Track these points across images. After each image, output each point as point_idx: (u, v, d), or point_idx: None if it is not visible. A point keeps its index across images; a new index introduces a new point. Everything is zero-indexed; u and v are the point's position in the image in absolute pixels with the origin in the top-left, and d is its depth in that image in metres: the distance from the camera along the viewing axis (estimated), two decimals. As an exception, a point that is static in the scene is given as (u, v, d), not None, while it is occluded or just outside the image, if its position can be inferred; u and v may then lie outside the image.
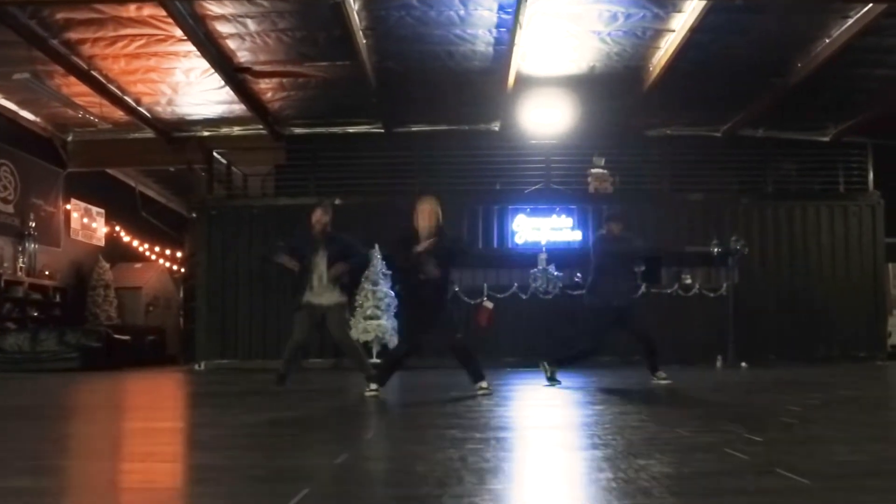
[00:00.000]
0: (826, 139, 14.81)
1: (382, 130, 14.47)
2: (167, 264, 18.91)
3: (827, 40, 10.77)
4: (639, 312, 7.79)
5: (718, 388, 6.40)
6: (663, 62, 11.53)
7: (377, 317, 11.53)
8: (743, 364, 11.39)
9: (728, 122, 14.40)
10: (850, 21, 10.17)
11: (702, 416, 4.46)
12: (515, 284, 12.32)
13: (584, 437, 3.48)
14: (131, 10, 10.00)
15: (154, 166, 16.27)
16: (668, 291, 12.42)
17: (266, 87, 12.94)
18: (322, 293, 6.69)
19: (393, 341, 11.65)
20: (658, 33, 10.90)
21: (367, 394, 5.86)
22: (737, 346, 11.67)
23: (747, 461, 2.75)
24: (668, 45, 11.07)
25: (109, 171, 16.46)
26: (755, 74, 12.14)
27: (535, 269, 12.25)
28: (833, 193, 13.73)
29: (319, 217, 6.84)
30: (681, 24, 10.37)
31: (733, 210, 13.28)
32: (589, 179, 13.42)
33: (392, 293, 11.92)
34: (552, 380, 7.18)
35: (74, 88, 12.52)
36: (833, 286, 13.09)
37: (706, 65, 11.69)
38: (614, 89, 12.70)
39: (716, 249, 11.53)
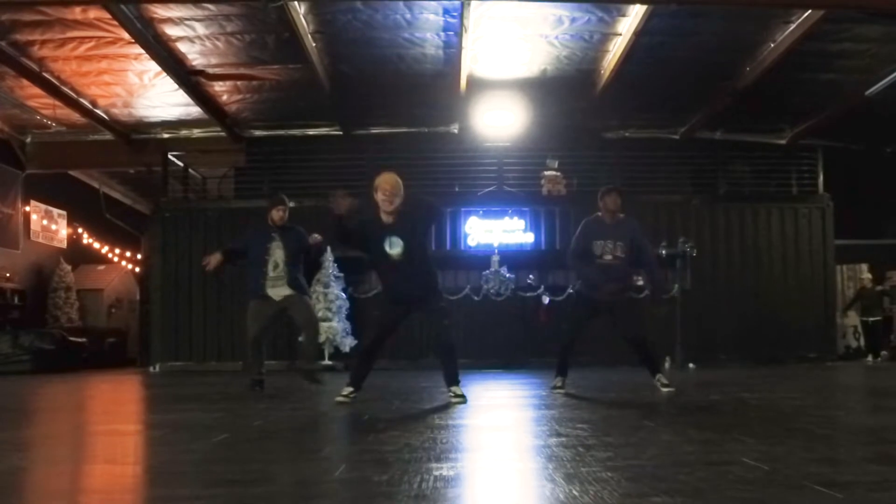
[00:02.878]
0: (783, 142, 14.99)
1: (341, 133, 14.54)
2: (130, 266, 18.89)
3: (772, 45, 10.93)
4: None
5: (636, 390, 6.48)
6: (612, 65, 11.65)
7: (328, 319, 11.59)
8: (691, 365, 11.52)
9: (686, 124, 14.54)
10: (793, 26, 10.32)
11: (577, 417, 4.54)
12: (468, 286, 12.42)
13: (451, 433, 3.56)
14: (76, 13, 10.00)
15: (114, 168, 16.26)
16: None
17: (221, 90, 12.98)
18: (277, 284, 6.64)
19: (345, 343, 11.73)
20: (605, 37, 11.01)
21: (340, 399, 5.44)
22: (685, 347, 11.80)
23: (566, 457, 2.83)
24: (616, 49, 11.19)
25: (73, 172, 16.44)
26: (705, 78, 12.28)
27: (488, 272, 12.35)
28: (785, 196, 13.90)
29: (283, 213, 6.88)
30: (626, 27, 10.49)
31: (686, 212, 13.42)
32: (542, 182, 13.52)
33: (343, 295, 11.99)
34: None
35: (28, 91, 12.51)
36: (784, 287, 13.26)
37: (655, 68, 11.81)
38: (567, 92, 12.81)
39: (664, 251, 11.64)
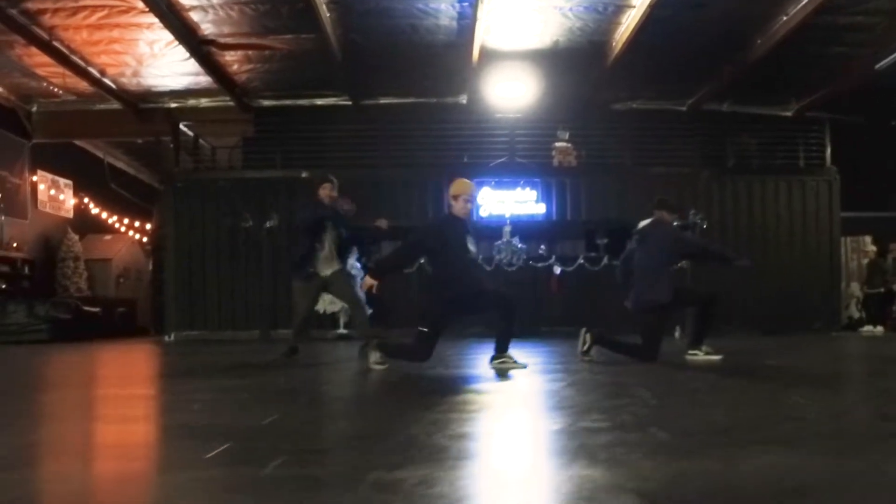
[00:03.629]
0: (789, 114, 15.05)
1: (350, 103, 14.52)
2: (137, 236, 18.90)
3: (784, 17, 10.94)
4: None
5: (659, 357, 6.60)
6: (625, 37, 11.65)
7: (343, 289, 11.66)
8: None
9: (693, 96, 14.57)
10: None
11: (622, 384, 4.67)
12: (480, 257, 12.47)
13: (499, 399, 3.67)
14: (91, -19, 9.98)
15: (121, 138, 16.19)
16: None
17: (232, 60, 12.93)
18: (327, 264, 6.73)
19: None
20: (619, 9, 11.02)
21: (375, 366, 5.70)
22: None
23: (629, 421, 2.95)
24: (629, 21, 11.19)
25: (77, 142, 16.38)
26: (716, 50, 12.29)
27: (500, 242, 12.42)
28: (792, 168, 13.99)
29: (330, 191, 6.91)
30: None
31: (694, 184, 13.51)
32: (553, 153, 13.58)
33: (358, 265, 12.05)
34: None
35: (37, 59, 12.43)
36: (790, 259, 13.40)
37: (668, 40, 11.82)
38: (578, 64, 12.81)
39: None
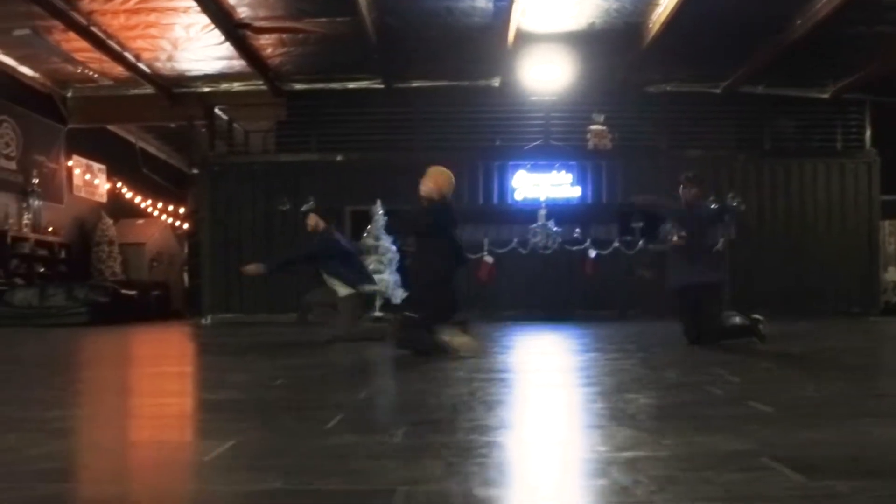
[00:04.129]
0: (826, 96, 14.85)
1: (383, 86, 14.50)
2: (169, 220, 19.04)
3: (827, -3, 10.79)
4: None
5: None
6: (663, 18, 11.53)
7: (380, 271, 11.71)
8: (737, 319, 11.61)
9: (728, 78, 14.42)
10: (850, -22, 10.20)
11: (690, 362, 4.68)
12: (515, 240, 12.48)
13: (579, 377, 3.69)
14: (131, -34, 10.01)
15: (154, 122, 16.29)
16: (664, 247, 12.56)
17: (266, 43, 12.94)
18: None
19: (396, 295, 11.87)
20: (658, -11, 10.93)
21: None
22: (732, 301, 11.87)
23: (723, 396, 2.97)
24: (667, 1, 11.08)
25: (110, 127, 16.49)
26: (755, 30, 12.15)
27: (535, 225, 12.39)
28: (830, 151, 13.81)
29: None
30: (681, -21, 10.39)
31: (731, 167, 13.39)
32: (588, 136, 13.50)
33: (394, 248, 12.10)
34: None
35: (74, 44, 12.51)
36: (828, 243, 13.27)
37: (706, 21, 11.68)
38: (614, 46, 12.71)
39: (712, 206, 11.62)
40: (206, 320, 12.62)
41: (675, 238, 5.95)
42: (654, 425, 2.32)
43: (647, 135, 13.74)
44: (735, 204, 11.90)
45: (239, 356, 5.52)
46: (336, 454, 1.91)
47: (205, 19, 11.60)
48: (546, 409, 2.77)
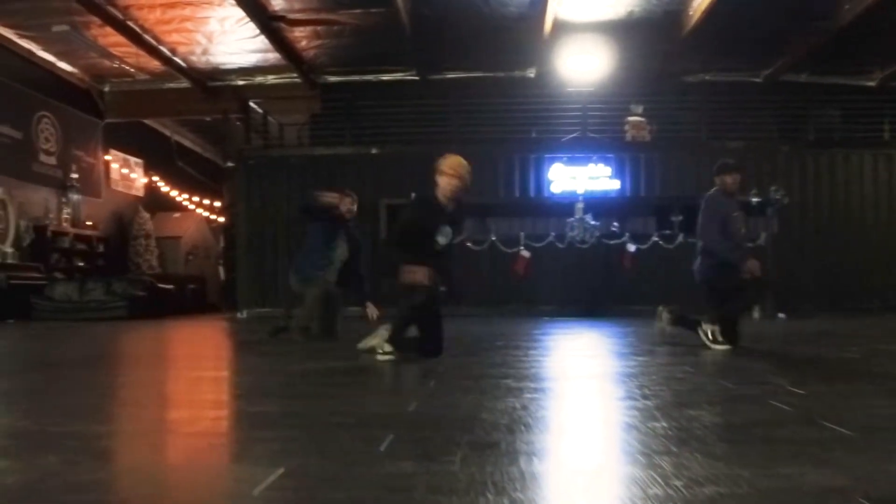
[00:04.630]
0: (872, 84, 14.45)
1: (417, 78, 14.42)
2: (205, 213, 19.16)
3: (878, -19, 10.47)
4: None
5: (758, 340, 6.40)
6: (704, 6, 11.30)
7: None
8: (780, 315, 11.33)
9: (769, 66, 14.09)
10: (901, -39, 9.86)
11: (744, 369, 4.51)
12: (552, 233, 12.30)
13: (632, 387, 3.55)
14: (167, -40, 10.01)
15: (190, 116, 16.38)
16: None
17: (300, 36, 12.92)
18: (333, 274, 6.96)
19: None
20: (699, -24, 10.67)
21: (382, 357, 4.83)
22: (775, 296, 11.59)
23: (791, 412, 2.81)
24: (709, -12, 10.84)
25: (146, 121, 16.62)
26: (798, 17, 11.84)
27: (572, 219, 12.19)
28: (877, 140, 13.40)
29: (350, 206, 7.00)
30: (723, -35, 10.13)
31: (773, 158, 13.04)
32: (626, 127, 13.25)
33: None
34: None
35: (111, 39, 12.61)
36: (875, 236, 12.88)
37: (748, 8, 11.43)
38: (653, 35, 12.49)
39: (754, 199, 11.35)
40: (242, 314, 12.63)
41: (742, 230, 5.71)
42: (726, 450, 2.18)
43: (686, 126, 13.45)
44: (778, 197, 11.64)
45: (274, 357, 5.45)
46: (396, 487, 1.80)
47: (239, 12, 11.61)
48: (607, 428, 2.64)
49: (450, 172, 4.93)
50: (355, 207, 7.15)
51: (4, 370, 5.02)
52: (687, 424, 2.51)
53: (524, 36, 12.53)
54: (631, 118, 13.18)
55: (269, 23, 12.14)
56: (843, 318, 10.99)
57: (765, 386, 3.61)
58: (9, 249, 12.59)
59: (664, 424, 2.53)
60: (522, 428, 2.48)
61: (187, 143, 18.50)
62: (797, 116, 13.67)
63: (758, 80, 14.51)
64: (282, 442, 2.34)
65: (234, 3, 11.21)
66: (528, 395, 3.20)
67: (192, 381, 4.30)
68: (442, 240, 4.89)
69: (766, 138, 13.52)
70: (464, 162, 5.01)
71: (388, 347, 4.81)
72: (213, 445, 2.43)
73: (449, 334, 7.26)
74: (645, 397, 3.22)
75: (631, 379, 3.87)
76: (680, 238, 11.82)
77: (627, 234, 12.21)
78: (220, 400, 3.59)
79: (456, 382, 3.77)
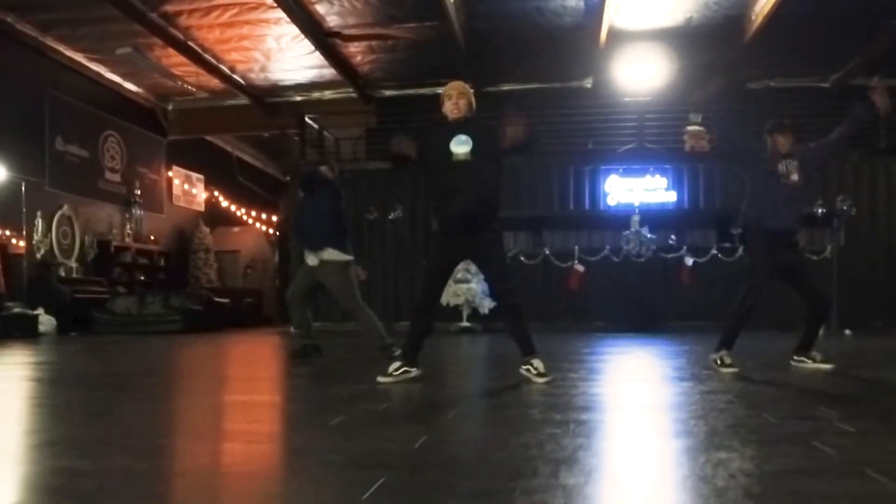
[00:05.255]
0: (950, 87, 13.69)
1: (472, 90, 14.30)
2: (264, 228, 19.48)
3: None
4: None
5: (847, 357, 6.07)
6: (766, 9, 10.92)
7: (467, 280, 11.53)
8: (847, 331, 10.81)
9: (838, 71, 13.53)
10: (981, -44, 9.32)
11: (793, 398, 4.24)
12: (607, 247, 12.05)
13: (667, 421, 3.35)
14: (224, -18, 10.22)
15: (249, 132, 16.70)
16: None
17: (355, 51, 13.01)
18: None
19: (483, 305, 11.65)
20: (761, -21, 10.31)
21: (383, 380, 4.72)
22: (840, 312, 11.06)
23: (835, 457, 2.57)
24: (772, -9, 10.47)
25: (207, 137, 17.01)
26: (869, 17, 11.33)
27: (628, 232, 11.92)
28: (954, 148, 12.69)
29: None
30: (786, -33, 9.76)
31: (841, 167, 12.48)
32: (685, 138, 12.89)
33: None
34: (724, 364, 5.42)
35: (173, 59, 12.92)
36: (952, 248, 12.19)
37: (814, 9, 10.97)
38: (713, 41, 12.13)
39: (820, 210, 10.88)
40: (293, 328, 12.70)
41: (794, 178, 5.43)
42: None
43: (748, 135, 12.97)
44: (845, 207, 11.15)
45: (315, 379, 5.43)
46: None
47: (295, 30, 11.76)
48: (619, 477, 2.46)
49: (442, 98, 4.99)
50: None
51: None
52: (711, 472, 2.33)
53: (580, 46, 12.34)
54: (689, 128, 12.82)
55: (324, 39, 12.26)
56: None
57: (812, 421, 3.35)
58: (74, 264, 13.02)
59: (684, 472, 2.35)
60: (528, 474, 2.33)
61: (248, 159, 18.86)
62: (868, 122, 13.03)
63: (826, 84, 13.94)
64: (263, 480, 2.26)
65: (289, 21, 11.35)
66: (549, 430, 3.04)
67: (241, 409, 4.29)
68: (459, 148, 4.80)
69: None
70: (454, 83, 5.06)
71: (405, 366, 4.82)
72: (258, 483, 2.37)
73: (493, 353, 7.14)
74: (676, 435, 3.03)
75: (666, 411, 3.67)
76: (740, 251, 11.39)
77: (685, 248, 11.85)
78: (268, 432, 3.55)
79: (479, 412, 3.63)
